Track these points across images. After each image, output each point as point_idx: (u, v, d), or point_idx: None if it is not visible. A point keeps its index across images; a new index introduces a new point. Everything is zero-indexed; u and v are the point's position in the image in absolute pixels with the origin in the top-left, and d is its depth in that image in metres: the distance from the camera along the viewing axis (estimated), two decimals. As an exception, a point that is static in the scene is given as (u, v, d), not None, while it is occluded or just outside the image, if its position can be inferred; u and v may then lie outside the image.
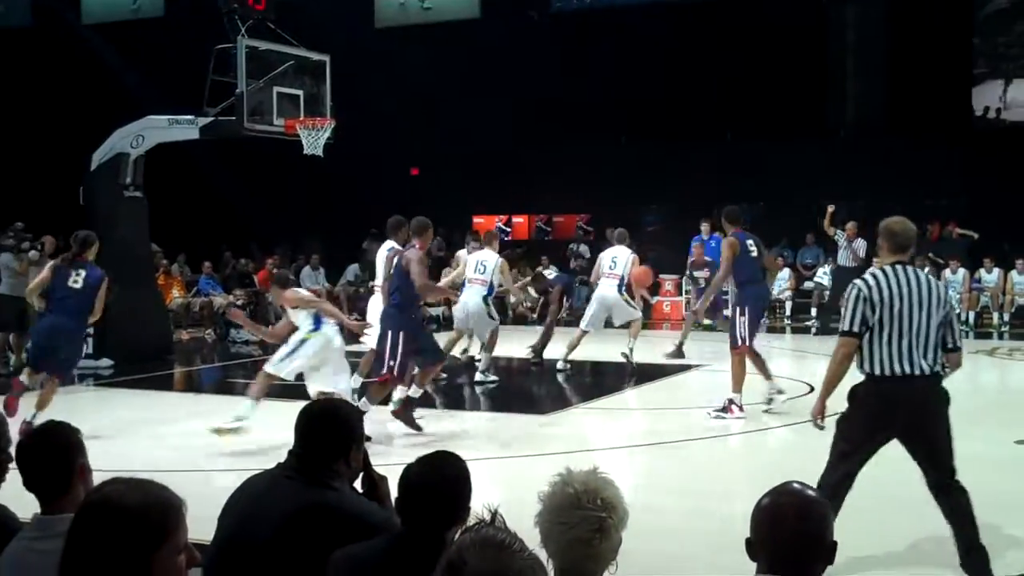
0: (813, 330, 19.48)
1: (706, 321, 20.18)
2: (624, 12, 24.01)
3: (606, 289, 14.55)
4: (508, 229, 27.15)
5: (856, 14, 24.72)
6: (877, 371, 5.72)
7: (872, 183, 21.96)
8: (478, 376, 13.26)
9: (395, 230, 11.24)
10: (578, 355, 14.43)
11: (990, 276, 20.33)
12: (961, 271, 20.11)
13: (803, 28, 23.42)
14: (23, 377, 10.37)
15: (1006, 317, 20.13)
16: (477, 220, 25.48)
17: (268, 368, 9.72)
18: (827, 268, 21.80)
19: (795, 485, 2.87)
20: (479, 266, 13.38)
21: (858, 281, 5.86)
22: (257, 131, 15.13)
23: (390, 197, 24.08)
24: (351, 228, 25.30)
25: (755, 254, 11.05)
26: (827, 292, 21.62)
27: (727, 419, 10.65)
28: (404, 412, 9.92)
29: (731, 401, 10.75)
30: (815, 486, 5.66)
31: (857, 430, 5.80)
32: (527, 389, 14.25)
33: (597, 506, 2.70)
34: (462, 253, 15.46)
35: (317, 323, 9.68)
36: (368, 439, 8.75)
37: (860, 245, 17.99)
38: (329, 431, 3.62)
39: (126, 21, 25.17)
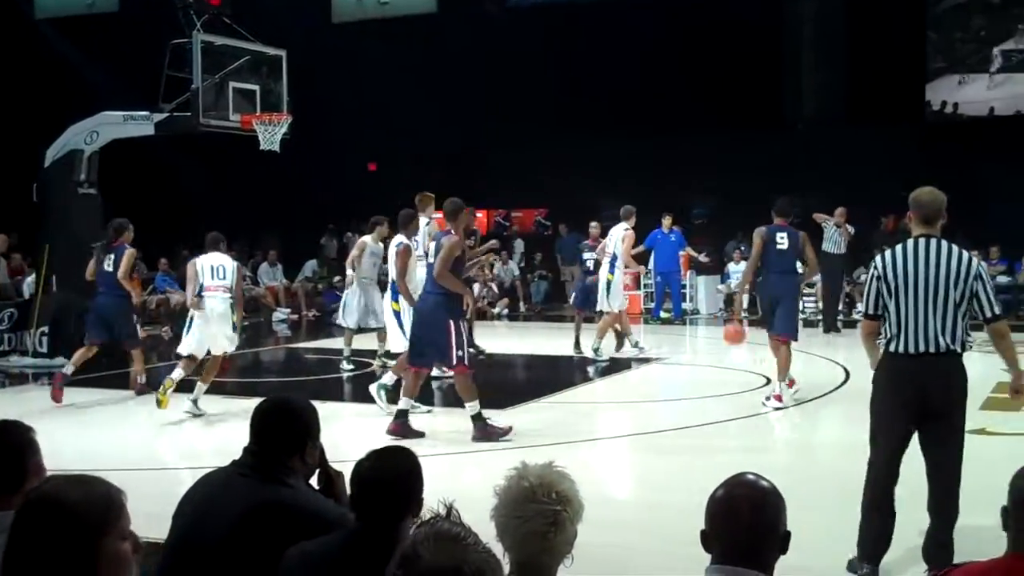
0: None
1: (664, 315, 20.36)
2: (581, 8, 24.07)
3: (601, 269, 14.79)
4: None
5: (813, 8, 24.88)
6: (892, 348, 5.67)
7: (829, 176, 22.10)
8: (434, 371, 13.16)
9: (405, 224, 11.28)
10: (532, 349, 14.40)
11: (943, 268, 20.46)
12: None
13: (761, 22, 23.53)
14: (66, 369, 12.00)
15: (961, 309, 20.29)
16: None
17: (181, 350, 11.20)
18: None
19: (749, 476, 2.89)
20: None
21: (876, 259, 5.79)
22: (213, 127, 15.00)
23: (348, 192, 24.09)
24: (309, 224, 25.21)
25: (783, 247, 11.16)
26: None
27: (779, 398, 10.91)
28: (402, 427, 9.58)
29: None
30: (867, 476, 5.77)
31: (878, 409, 5.79)
32: (483, 384, 14.14)
33: (552, 499, 2.71)
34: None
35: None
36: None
37: (851, 230, 17.99)
38: (284, 428, 3.60)
39: (80, 16, 24.93)
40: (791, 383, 11.03)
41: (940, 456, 5.67)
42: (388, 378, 10.77)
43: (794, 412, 10.85)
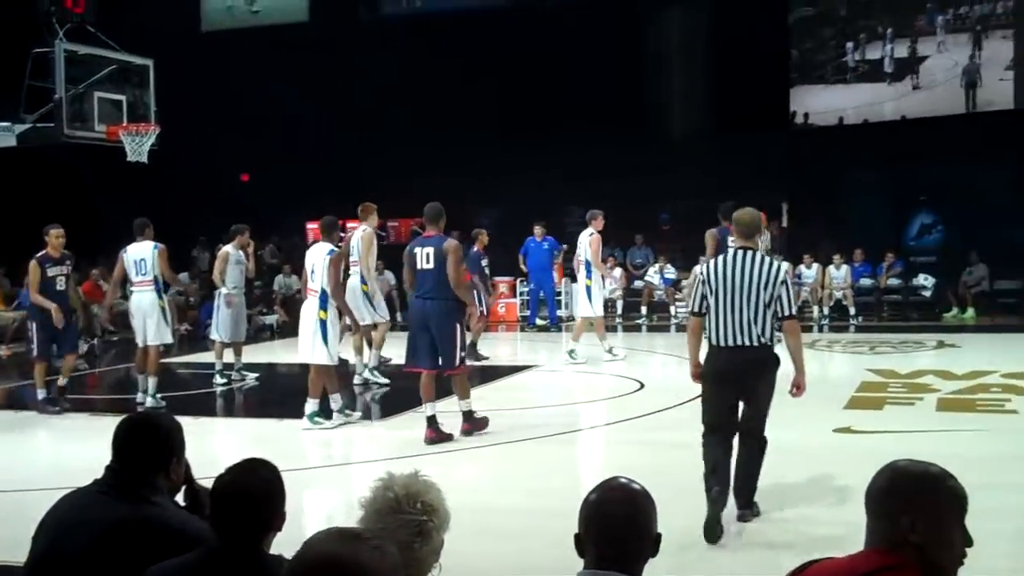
0: (643, 327, 19.89)
1: (540, 322, 20.48)
2: (455, 16, 24.13)
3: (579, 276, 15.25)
4: (343, 235, 26.80)
5: (680, 17, 25.29)
6: (714, 341, 6.73)
7: (699, 184, 22.51)
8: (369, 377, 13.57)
9: (329, 231, 11.21)
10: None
11: (809, 272, 21.20)
12: (815, 266, 21.00)
13: (628, 32, 23.91)
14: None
15: (825, 311, 21.05)
16: (311, 226, 25.14)
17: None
18: (656, 267, 22.44)
19: (621, 479, 2.92)
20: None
21: (701, 267, 6.82)
22: (78, 138, 14.58)
23: (220, 204, 23.67)
24: (180, 236, 24.67)
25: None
26: (657, 292, 22.22)
27: None
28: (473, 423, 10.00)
29: None
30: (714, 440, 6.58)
31: (706, 390, 6.85)
32: (359, 395, 14.00)
33: (417, 510, 2.69)
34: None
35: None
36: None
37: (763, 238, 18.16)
38: (147, 443, 3.51)
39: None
40: None
41: (753, 415, 6.72)
42: (312, 405, 10.55)
43: (669, 414, 10.95)
